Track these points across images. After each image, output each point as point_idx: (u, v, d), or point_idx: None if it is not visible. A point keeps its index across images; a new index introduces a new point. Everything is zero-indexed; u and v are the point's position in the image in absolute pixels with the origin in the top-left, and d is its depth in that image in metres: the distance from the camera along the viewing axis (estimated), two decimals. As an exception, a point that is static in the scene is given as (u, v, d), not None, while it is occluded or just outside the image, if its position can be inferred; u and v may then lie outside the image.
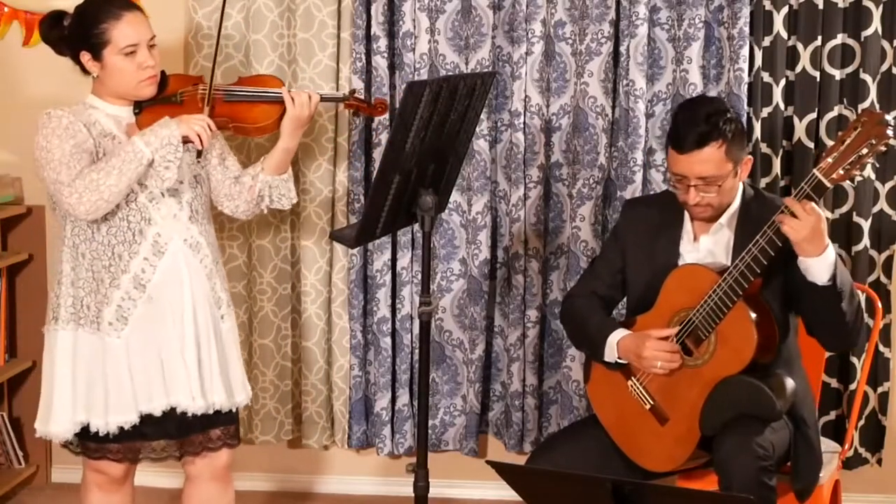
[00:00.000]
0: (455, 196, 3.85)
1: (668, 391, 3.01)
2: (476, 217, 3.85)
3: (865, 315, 3.10)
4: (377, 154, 3.84)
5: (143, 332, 2.98)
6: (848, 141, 2.71)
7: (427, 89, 2.70)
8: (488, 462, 2.57)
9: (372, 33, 3.80)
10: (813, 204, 2.76)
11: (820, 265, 2.81)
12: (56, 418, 3.00)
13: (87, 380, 2.98)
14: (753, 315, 2.88)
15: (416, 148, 2.77)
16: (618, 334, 3.09)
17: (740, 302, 2.86)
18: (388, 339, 3.93)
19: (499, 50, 3.82)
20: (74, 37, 3.00)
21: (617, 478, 2.46)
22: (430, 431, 3.92)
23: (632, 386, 3.09)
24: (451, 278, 3.93)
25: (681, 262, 3.08)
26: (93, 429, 2.98)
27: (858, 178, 3.70)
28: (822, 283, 2.83)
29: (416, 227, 3.09)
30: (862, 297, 3.72)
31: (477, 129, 3.59)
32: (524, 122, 3.80)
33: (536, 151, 3.82)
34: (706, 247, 3.08)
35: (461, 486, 4.07)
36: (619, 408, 3.12)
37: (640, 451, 3.08)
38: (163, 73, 3.10)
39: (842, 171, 2.72)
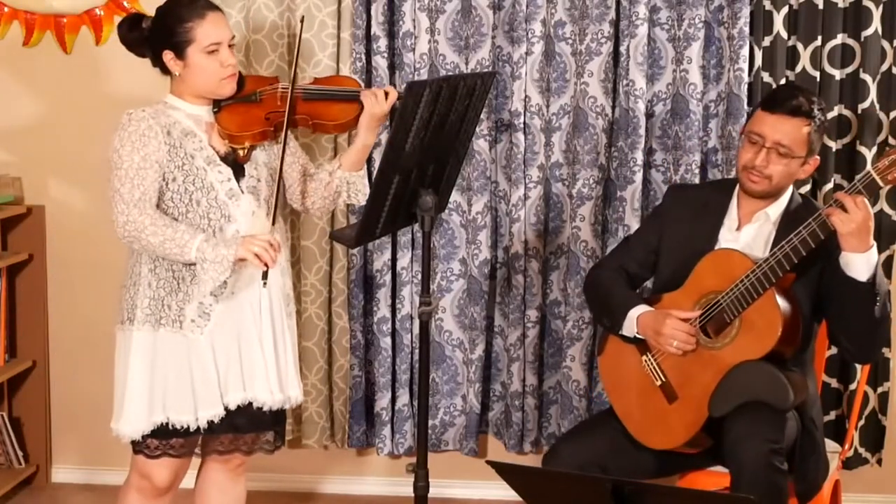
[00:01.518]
0: (455, 196, 3.85)
1: (682, 370, 3.02)
2: (476, 217, 3.85)
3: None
4: (377, 154, 3.84)
5: (225, 327, 3.01)
6: None
7: (427, 89, 2.70)
8: (488, 462, 2.57)
9: (372, 33, 3.80)
10: (864, 199, 2.79)
11: (862, 262, 2.84)
12: (129, 418, 3.01)
13: (167, 378, 3.00)
14: (783, 304, 2.89)
15: (416, 148, 2.77)
16: (639, 309, 3.11)
17: (771, 290, 2.88)
18: (388, 339, 3.94)
19: (499, 50, 3.82)
20: (157, 36, 3.02)
21: (617, 478, 2.46)
22: (430, 431, 3.92)
23: (646, 361, 3.10)
24: (451, 278, 3.93)
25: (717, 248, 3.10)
26: (177, 425, 2.99)
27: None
28: (862, 279, 2.85)
29: (416, 227, 3.09)
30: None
31: (477, 129, 3.59)
32: (524, 122, 3.80)
33: (536, 151, 3.82)
34: (745, 239, 3.09)
35: (461, 486, 4.07)
36: (628, 382, 3.13)
37: (641, 425, 3.09)
38: (240, 73, 3.12)
39: None
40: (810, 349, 3.08)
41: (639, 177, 3.74)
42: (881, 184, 2.78)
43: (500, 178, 3.88)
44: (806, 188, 3.73)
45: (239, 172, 3.03)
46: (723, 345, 2.97)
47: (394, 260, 3.93)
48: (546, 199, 3.89)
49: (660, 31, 3.76)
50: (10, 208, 4.00)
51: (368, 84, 3.83)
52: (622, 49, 3.74)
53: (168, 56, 3.00)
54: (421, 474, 2.92)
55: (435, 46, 3.82)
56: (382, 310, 3.92)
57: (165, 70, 3.04)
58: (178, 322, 2.99)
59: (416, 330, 3.88)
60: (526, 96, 3.79)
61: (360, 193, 3.25)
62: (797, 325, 2.94)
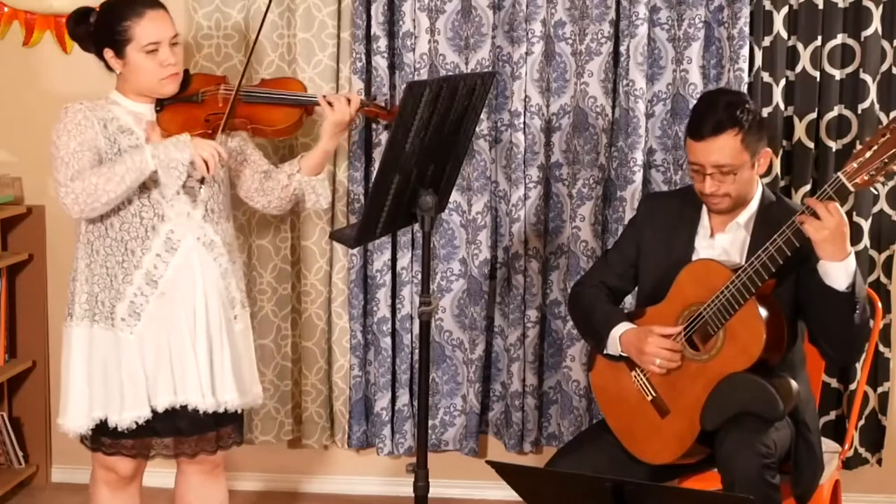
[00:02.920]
0: (455, 196, 3.85)
1: (671, 384, 3.02)
2: (476, 217, 3.85)
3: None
4: (377, 154, 3.84)
5: (156, 329, 3.00)
6: (875, 147, 2.70)
7: (427, 89, 2.70)
8: (488, 462, 2.57)
9: (372, 33, 3.80)
10: (836, 204, 2.75)
11: (840, 270, 2.80)
12: (72, 413, 3.04)
13: (104, 375, 3.01)
14: (764, 314, 2.87)
15: (416, 148, 2.77)
16: (621, 328, 3.09)
17: (752, 300, 2.86)
18: (388, 339, 3.93)
19: (499, 50, 3.82)
20: (99, 33, 3.03)
21: (617, 478, 2.46)
22: (430, 431, 3.92)
23: (635, 377, 3.09)
24: (451, 278, 3.93)
25: (695, 258, 3.08)
26: (110, 424, 3.00)
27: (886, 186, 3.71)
28: (841, 289, 2.81)
29: (416, 227, 3.09)
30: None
31: (477, 129, 3.59)
32: (524, 122, 3.80)
33: (536, 151, 3.82)
34: (721, 245, 3.07)
35: (461, 486, 4.07)
36: (620, 398, 3.12)
37: (636, 441, 3.08)
38: (186, 71, 3.12)
39: (866, 177, 2.71)
40: (799, 351, 3.06)
41: (639, 177, 3.74)
42: (851, 188, 2.73)
43: (500, 178, 3.88)
44: (806, 188, 3.73)
45: None
46: (709, 357, 2.95)
47: (394, 260, 3.92)
48: (546, 199, 3.88)
49: (660, 31, 3.76)
50: (10, 208, 4.00)
51: (368, 85, 3.83)
52: (622, 49, 3.74)
53: (109, 54, 3.00)
54: (421, 474, 2.92)
55: (435, 46, 3.82)
56: (382, 310, 3.91)
57: (109, 67, 3.04)
58: (111, 319, 2.99)
59: (416, 330, 3.88)
60: (526, 96, 3.79)
61: (322, 197, 3.26)
62: (781, 332, 2.92)
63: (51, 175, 4.02)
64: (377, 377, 3.96)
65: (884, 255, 3.79)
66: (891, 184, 3.75)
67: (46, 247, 4.11)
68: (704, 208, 3.10)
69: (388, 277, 3.91)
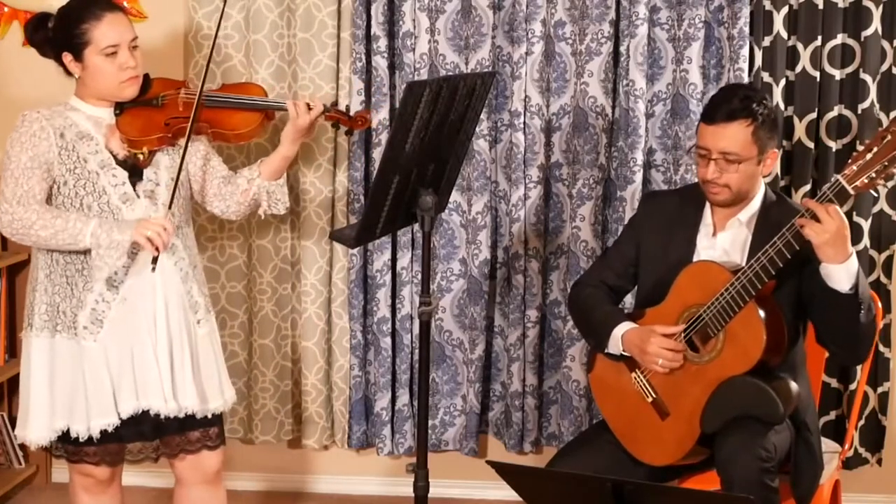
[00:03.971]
0: (455, 196, 3.85)
1: (672, 386, 3.01)
2: (476, 217, 3.85)
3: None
4: (377, 154, 3.84)
5: (118, 334, 2.99)
6: (875, 150, 2.69)
7: (427, 89, 2.70)
8: (488, 462, 2.57)
9: (372, 33, 3.80)
10: (836, 207, 2.74)
11: (842, 272, 2.80)
12: (33, 425, 3.02)
13: (67, 385, 2.99)
14: (764, 316, 2.86)
15: (416, 148, 2.77)
16: (623, 327, 3.09)
17: (752, 302, 2.85)
18: (388, 339, 3.93)
19: (499, 50, 3.82)
20: (57, 38, 3.01)
21: (617, 478, 2.46)
22: (430, 431, 3.92)
23: (635, 378, 3.09)
24: (451, 278, 3.93)
25: (696, 258, 3.07)
26: (73, 434, 2.99)
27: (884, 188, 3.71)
28: (844, 291, 2.81)
29: (416, 227, 3.09)
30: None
31: (477, 129, 3.59)
32: (524, 122, 3.80)
33: (536, 151, 3.82)
34: (722, 245, 3.06)
35: (461, 486, 4.07)
36: (620, 399, 3.12)
37: (637, 443, 3.08)
38: (146, 75, 3.10)
39: (866, 180, 2.70)
40: (799, 352, 3.05)
41: (639, 177, 3.74)
42: (851, 191, 2.72)
43: (500, 178, 3.88)
44: (806, 188, 3.73)
45: (137, 176, 3.01)
46: (709, 359, 2.95)
47: (394, 260, 3.92)
48: (546, 199, 3.88)
49: (660, 31, 3.76)
50: (10, 208, 4.00)
51: (368, 85, 3.83)
52: (622, 49, 3.74)
53: (67, 58, 2.99)
54: (421, 474, 2.92)
55: (435, 46, 3.82)
56: (382, 310, 3.91)
57: (68, 71, 3.02)
58: (73, 328, 2.97)
59: (416, 330, 3.88)
60: (526, 96, 3.79)
61: (280, 202, 3.25)
62: (782, 334, 2.91)
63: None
64: (377, 377, 3.96)
65: (884, 255, 3.79)
66: (891, 184, 3.75)
67: (46, 247, 4.11)
68: (707, 207, 3.09)
69: (388, 277, 3.91)
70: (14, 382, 4.13)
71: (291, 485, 4.18)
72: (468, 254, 3.89)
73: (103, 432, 2.98)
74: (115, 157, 3.00)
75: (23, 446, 4.14)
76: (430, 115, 2.75)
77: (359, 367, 3.99)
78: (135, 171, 3.01)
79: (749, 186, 3.02)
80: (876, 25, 3.67)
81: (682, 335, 2.98)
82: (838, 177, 2.73)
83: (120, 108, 3.04)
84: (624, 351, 3.08)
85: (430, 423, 3.91)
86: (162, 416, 3.01)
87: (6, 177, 2.94)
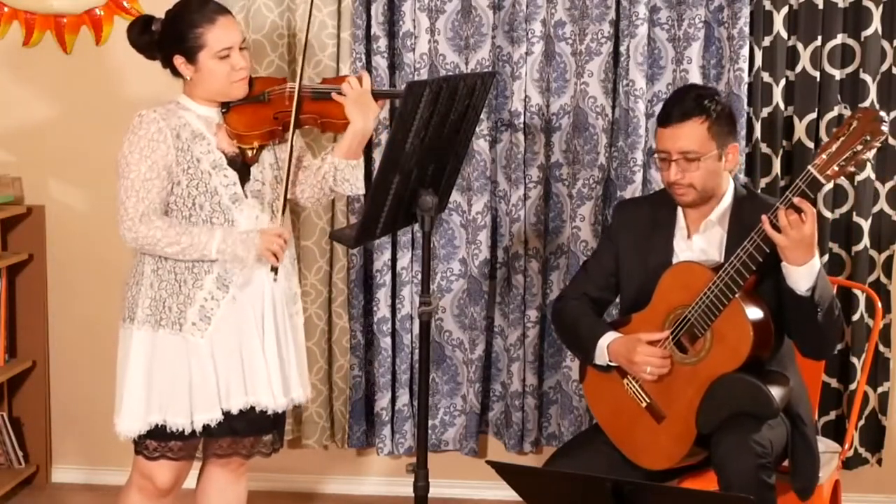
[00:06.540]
0: (455, 196, 3.85)
1: (664, 389, 3.01)
2: (476, 217, 3.86)
3: (844, 327, 3.10)
4: (377, 154, 3.84)
5: (226, 332, 3.00)
6: (843, 138, 2.71)
7: (427, 89, 2.70)
8: (488, 462, 2.57)
9: (372, 33, 3.80)
10: (801, 216, 2.75)
11: (801, 274, 2.82)
12: (125, 416, 3.01)
13: (166, 380, 2.99)
14: (749, 312, 2.87)
15: (416, 148, 2.77)
16: (608, 338, 3.09)
17: (736, 299, 2.86)
18: (388, 339, 3.94)
19: (499, 50, 3.83)
20: (167, 41, 3.00)
21: (617, 478, 2.46)
22: (430, 431, 3.92)
23: (627, 384, 3.09)
24: (451, 278, 3.93)
25: (675, 261, 3.08)
26: (172, 428, 2.99)
27: (858, 178, 3.71)
28: (801, 292, 2.84)
29: (416, 227, 3.08)
30: (861, 298, 3.73)
31: (477, 129, 3.59)
32: (524, 122, 3.80)
33: (536, 151, 3.82)
34: (699, 245, 3.07)
35: (461, 486, 4.07)
36: (615, 406, 3.12)
37: (636, 448, 3.08)
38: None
39: (836, 168, 2.72)
40: (788, 344, 3.05)
41: (639, 177, 3.74)
42: (822, 181, 2.73)
43: (500, 178, 3.88)
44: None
45: (244, 177, 3.02)
46: (699, 359, 2.95)
47: (394, 260, 3.93)
48: (546, 199, 3.89)
49: (660, 31, 3.76)
50: (10, 208, 4.00)
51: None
52: (622, 49, 3.74)
53: (179, 61, 2.99)
54: (421, 474, 2.92)
55: (435, 46, 3.83)
56: (382, 310, 3.92)
57: (176, 73, 3.03)
58: (179, 324, 2.98)
59: (416, 330, 3.88)
60: (526, 96, 3.79)
61: (348, 183, 3.14)
62: (769, 329, 2.91)
63: (51, 175, 4.09)
64: (377, 377, 3.97)
65: (884, 255, 3.79)
66: (890, 184, 3.75)
67: (46, 247, 4.11)
68: (680, 210, 3.10)
69: (388, 277, 3.91)
70: (14, 382, 4.15)
71: (292, 485, 4.18)
72: (468, 254, 3.89)
73: (204, 426, 3.00)
74: (226, 156, 3.01)
75: (23, 446, 4.15)
76: (430, 115, 2.75)
77: (359, 367, 3.99)
78: (243, 171, 3.02)
79: (714, 184, 3.03)
80: (876, 25, 3.67)
81: (670, 339, 2.98)
82: (809, 167, 2.75)
83: (226, 106, 3.06)
84: (611, 361, 3.08)
85: (430, 423, 3.91)
86: (269, 412, 3.05)
87: (126, 187, 2.93)
